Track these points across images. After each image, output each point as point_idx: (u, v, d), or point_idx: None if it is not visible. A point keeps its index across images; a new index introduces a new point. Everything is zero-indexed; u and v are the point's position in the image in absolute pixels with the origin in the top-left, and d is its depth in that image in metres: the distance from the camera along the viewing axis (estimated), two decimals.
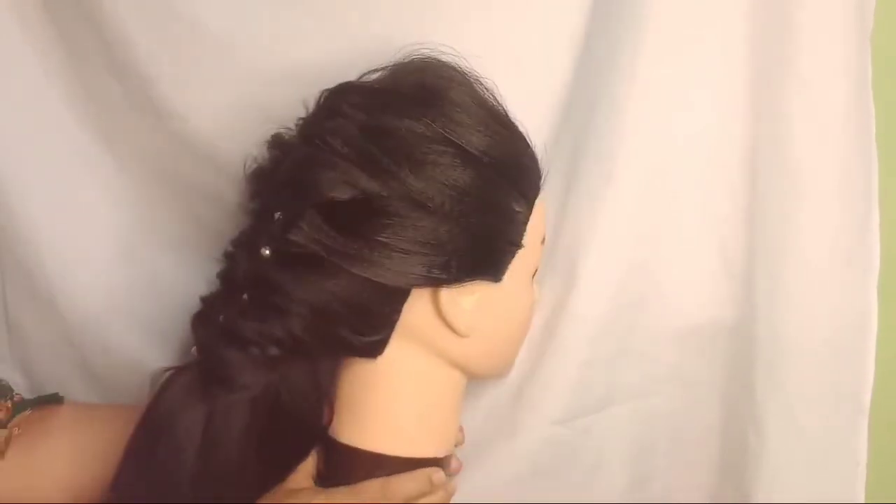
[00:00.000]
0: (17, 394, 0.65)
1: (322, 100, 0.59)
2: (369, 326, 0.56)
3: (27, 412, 0.63)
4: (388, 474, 0.57)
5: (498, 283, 0.59)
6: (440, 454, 0.61)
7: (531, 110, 0.66)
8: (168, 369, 0.57)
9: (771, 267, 0.69)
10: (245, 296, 0.56)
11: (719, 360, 0.71)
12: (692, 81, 0.68)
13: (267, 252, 0.55)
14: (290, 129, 0.60)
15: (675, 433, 0.72)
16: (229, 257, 0.59)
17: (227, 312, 0.56)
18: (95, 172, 0.70)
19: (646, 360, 0.71)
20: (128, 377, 0.70)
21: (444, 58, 0.59)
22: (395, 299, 0.56)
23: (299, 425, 0.57)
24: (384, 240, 0.54)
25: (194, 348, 0.57)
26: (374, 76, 0.59)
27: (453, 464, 0.65)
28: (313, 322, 0.55)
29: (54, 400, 0.66)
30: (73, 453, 0.62)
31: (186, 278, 0.71)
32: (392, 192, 0.54)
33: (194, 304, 0.69)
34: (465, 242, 0.56)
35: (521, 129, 0.61)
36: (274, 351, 0.55)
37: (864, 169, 0.67)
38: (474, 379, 0.65)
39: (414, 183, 0.54)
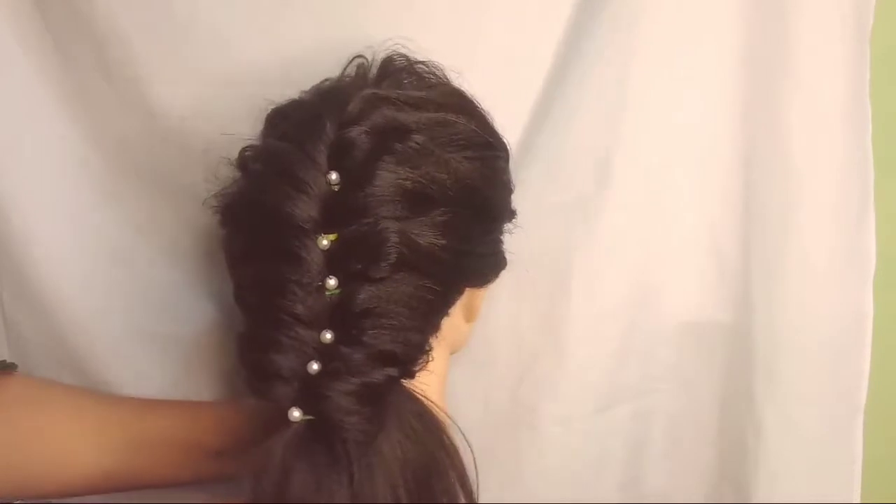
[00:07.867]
0: None
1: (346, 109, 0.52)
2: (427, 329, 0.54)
3: None
4: None
5: None
6: None
7: (524, 110, 0.67)
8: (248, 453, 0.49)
9: (768, 267, 0.69)
10: (329, 334, 0.49)
11: (717, 360, 0.72)
12: (687, 81, 0.68)
13: (333, 282, 0.49)
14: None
15: (674, 433, 0.73)
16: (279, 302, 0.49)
17: (318, 357, 0.48)
18: (89, 173, 0.69)
19: (645, 360, 0.71)
20: (123, 378, 0.69)
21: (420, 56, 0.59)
22: (452, 302, 0.56)
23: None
24: (467, 247, 0.54)
25: (293, 411, 0.48)
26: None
27: None
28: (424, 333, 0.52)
29: (4, 367, 0.61)
30: (16, 434, 0.58)
31: (181, 280, 0.71)
32: (468, 197, 0.53)
33: (191, 305, 0.68)
34: (500, 241, 0.59)
35: None
36: (393, 372, 0.50)
37: (860, 170, 0.68)
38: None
39: (481, 186, 0.55)
